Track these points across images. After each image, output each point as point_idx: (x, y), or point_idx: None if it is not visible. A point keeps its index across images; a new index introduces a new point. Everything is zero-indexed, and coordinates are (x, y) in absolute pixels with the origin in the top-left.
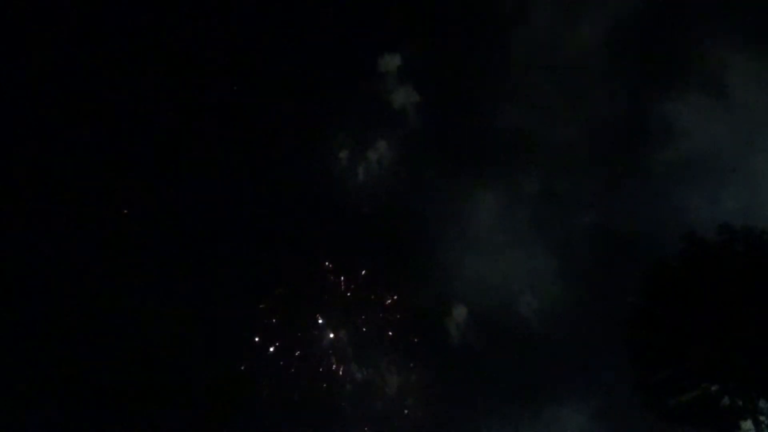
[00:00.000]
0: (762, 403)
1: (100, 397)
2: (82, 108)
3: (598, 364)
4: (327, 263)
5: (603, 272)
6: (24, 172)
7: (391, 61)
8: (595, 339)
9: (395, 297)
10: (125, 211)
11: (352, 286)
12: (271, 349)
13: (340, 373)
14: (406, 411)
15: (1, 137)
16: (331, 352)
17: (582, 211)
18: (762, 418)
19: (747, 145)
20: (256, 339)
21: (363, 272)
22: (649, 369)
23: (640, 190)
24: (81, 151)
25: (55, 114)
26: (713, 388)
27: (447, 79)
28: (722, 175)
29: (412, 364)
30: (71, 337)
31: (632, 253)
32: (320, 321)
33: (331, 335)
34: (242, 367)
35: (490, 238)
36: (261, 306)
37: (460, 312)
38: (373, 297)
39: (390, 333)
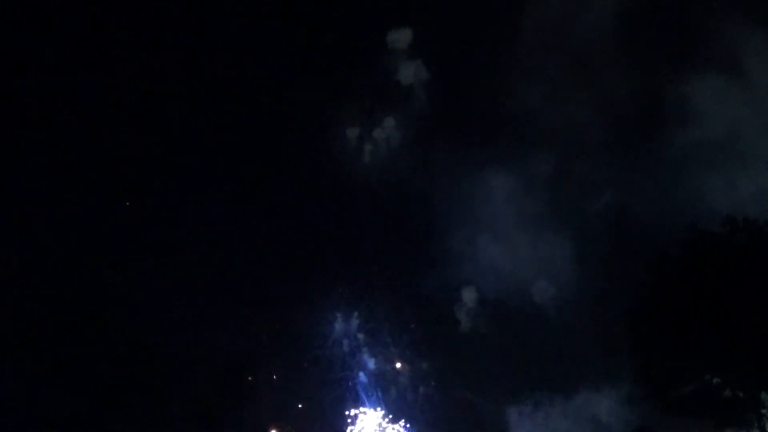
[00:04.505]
0: (764, 396)
1: (101, 387)
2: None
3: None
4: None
5: (621, 257)
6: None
7: (401, 37)
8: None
9: (405, 282)
10: (127, 203)
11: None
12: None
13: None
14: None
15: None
16: (343, 339)
17: (597, 194)
18: (764, 411)
19: (766, 129)
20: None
21: (371, 256)
22: (651, 360)
23: (656, 172)
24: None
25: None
26: (715, 380)
27: (458, 56)
28: (741, 159)
29: (423, 351)
30: (72, 329)
31: (650, 236)
32: (329, 307)
33: (342, 322)
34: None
35: (502, 221)
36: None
37: (471, 298)
38: (381, 282)
39: (400, 319)
